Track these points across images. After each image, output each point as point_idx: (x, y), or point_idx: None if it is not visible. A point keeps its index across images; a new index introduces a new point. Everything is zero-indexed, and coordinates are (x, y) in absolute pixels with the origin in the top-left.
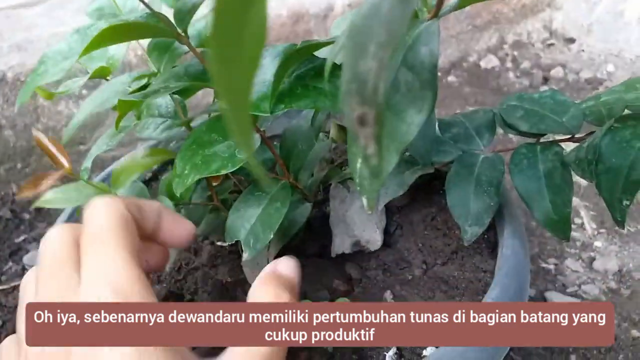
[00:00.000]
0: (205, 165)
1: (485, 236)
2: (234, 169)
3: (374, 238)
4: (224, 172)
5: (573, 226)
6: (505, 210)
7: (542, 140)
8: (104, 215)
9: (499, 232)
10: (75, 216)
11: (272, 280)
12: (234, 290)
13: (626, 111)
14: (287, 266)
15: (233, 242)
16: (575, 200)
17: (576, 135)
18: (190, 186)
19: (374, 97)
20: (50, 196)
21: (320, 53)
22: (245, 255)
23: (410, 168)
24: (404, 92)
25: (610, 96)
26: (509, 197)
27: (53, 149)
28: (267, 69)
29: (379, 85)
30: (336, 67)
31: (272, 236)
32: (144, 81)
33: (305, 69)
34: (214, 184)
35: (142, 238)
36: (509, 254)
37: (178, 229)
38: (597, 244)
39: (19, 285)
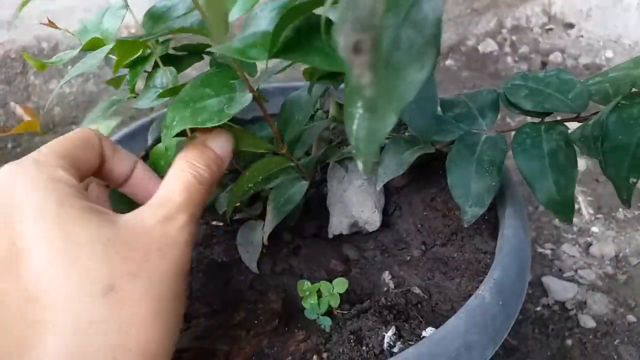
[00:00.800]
0: (193, 117)
1: (486, 217)
2: (220, 122)
3: (372, 219)
4: (209, 125)
5: None
6: (507, 191)
7: (546, 119)
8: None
9: (499, 213)
10: None
11: (193, 157)
12: (229, 269)
13: (633, 90)
14: (217, 142)
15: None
16: None
17: (582, 115)
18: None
19: (370, 20)
20: None
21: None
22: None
23: (411, 148)
24: (405, 49)
25: (618, 72)
26: (510, 178)
27: (20, 111)
28: (260, 21)
29: (377, 8)
30: (329, 23)
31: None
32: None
33: (300, 23)
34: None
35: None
36: (510, 235)
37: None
38: (594, 229)
39: None
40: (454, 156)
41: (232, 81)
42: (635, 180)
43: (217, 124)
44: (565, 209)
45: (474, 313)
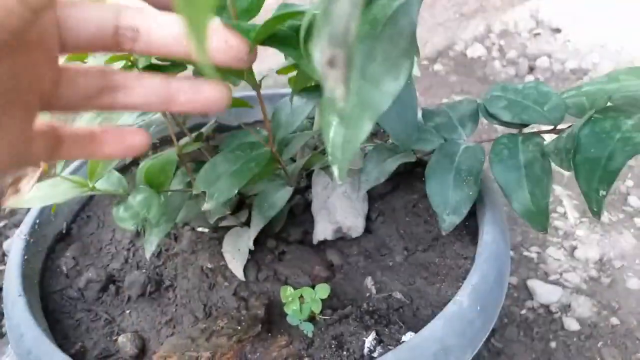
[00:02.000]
0: None
1: (467, 223)
2: None
3: (355, 224)
4: None
5: (555, 215)
6: (487, 198)
7: (524, 131)
8: None
9: (479, 220)
10: (50, 212)
11: None
12: (214, 276)
13: (608, 104)
14: None
15: (214, 227)
16: (558, 189)
17: (558, 127)
18: (169, 173)
19: (345, 37)
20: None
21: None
22: (206, 206)
23: (392, 156)
24: (380, 61)
25: (592, 87)
26: (490, 185)
27: None
28: None
29: (350, 26)
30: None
31: (235, 192)
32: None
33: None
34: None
35: None
36: (489, 241)
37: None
38: (579, 232)
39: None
40: (433, 165)
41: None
42: (605, 193)
43: None
44: (540, 218)
45: (452, 318)
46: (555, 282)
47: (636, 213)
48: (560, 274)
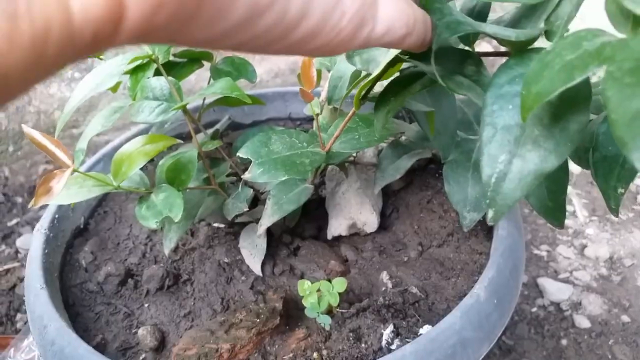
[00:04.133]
0: None
1: (481, 219)
2: None
3: (370, 220)
4: None
5: (565, 213)
6: None
7: None
8: None
9: None
10: (69, 207)
11: None
12: (230, 270)
13: None
14: None
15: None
16: (568, 189)
17: None
18: (191, 172)
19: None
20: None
21: None
22: (247, 175)
23: (407, 152)
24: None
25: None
26: None
27: (52, 147)
28: None
29: None
30: None
31: (281, 179)
32: (138, 62)
33: None
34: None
35: None
36: (505, 235)
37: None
38: (589, 231)
39: (12, 268)
40: (451, 163)
41: None
42: (623, 191)
43: None
44: (557, 214)
45: (469, 311)
46: (566, 280)
47: None
48: (571, 272)
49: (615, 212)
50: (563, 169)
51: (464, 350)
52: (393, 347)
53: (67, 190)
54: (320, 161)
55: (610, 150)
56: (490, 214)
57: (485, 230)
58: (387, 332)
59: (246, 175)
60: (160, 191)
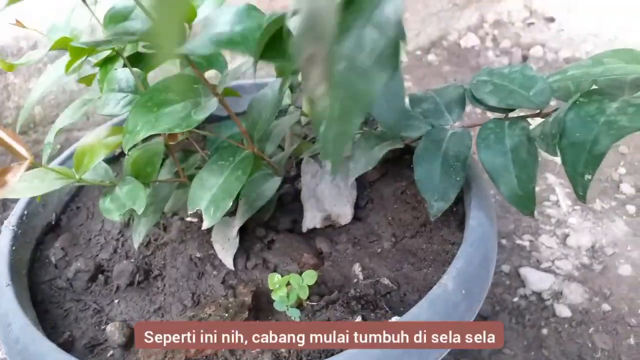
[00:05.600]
0: (158, 123)
1: (454, 209)
2: (189, 128)
3: (344, 212)
4: (177, 130)
5: (548, 203)
6: (473, 184)
7: (510, 115)
8: None
9: (466, 205)
10: (36, 197)
11: None
12: (202, 265)
13: (593, 87)
14: None
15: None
16: (551, 178)
17: (544, 111)
18: (156, 164)
19: (322, 33)
20: (14, 186)
21: None
22: (205, 224)
23: (380, 143)
24: (368, 51)
25: (577, 70)
26: (477, 170)
27: (9, 140)
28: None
29: (327, 22)
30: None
31: (230, 204)
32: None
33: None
34: (170, 142)
35: None
36: (475, 226)
37: None
38: (572, 220)
39: None
40: (421, 151)
41: (196, 85)
42: (590, 177)
43: (185, 129)
44: (527, 202)
45: (436, 301)
46: (548, 270)
47: (628, 200)
48: (553, 262)
49: (583, 199)
50: (533, 157)
51: None
52: None
53: (29, 184)
54: (250, 161)
55: (577, 136)
56: (328, 166)
57: (457, 220)
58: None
59: (205, 225)
60: (124, 184)
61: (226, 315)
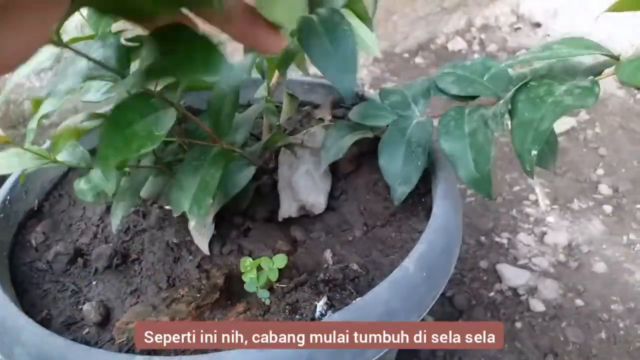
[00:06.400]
0: (127, 146)
1: (423, 199)
2: (154, 146)
3: (317, 202)
4: (144, 151)
5: (527, 202)
6: (440, 173)
7: (471, 103)
8: None
9: (433, 195)
10: (19, 182)
11: None
12: (179, 250)
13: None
14: None
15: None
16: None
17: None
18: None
19: None
20: None
21: None
22: (192, 224)
23: (350, 132)
24: None
25: (527, 56)
26: (443, 160)
27: None
28: None
29: None
30: None
31: (211, 200)
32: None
33: None
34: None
35: None
36: (439, 213)
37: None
38: (550, 219)
39: None
40: (385, 139)
41: (151, 100)
42: (535, 153)
43: (151, 149)
44: (484, 184)
45: (397, 283)
46: (524, 266)
47: (605, 200)
48: (529, 259)
49: (531, 174)
50: (488, 140)
51: (391, 320)
52: (326, 317)
53: (6, 161)
54: (222, 157)
55: (526, 116)
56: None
57: (425, 210)
58: (321, 303)
59: (191, 225)
60: (98, 167)
61: (198, 295)
